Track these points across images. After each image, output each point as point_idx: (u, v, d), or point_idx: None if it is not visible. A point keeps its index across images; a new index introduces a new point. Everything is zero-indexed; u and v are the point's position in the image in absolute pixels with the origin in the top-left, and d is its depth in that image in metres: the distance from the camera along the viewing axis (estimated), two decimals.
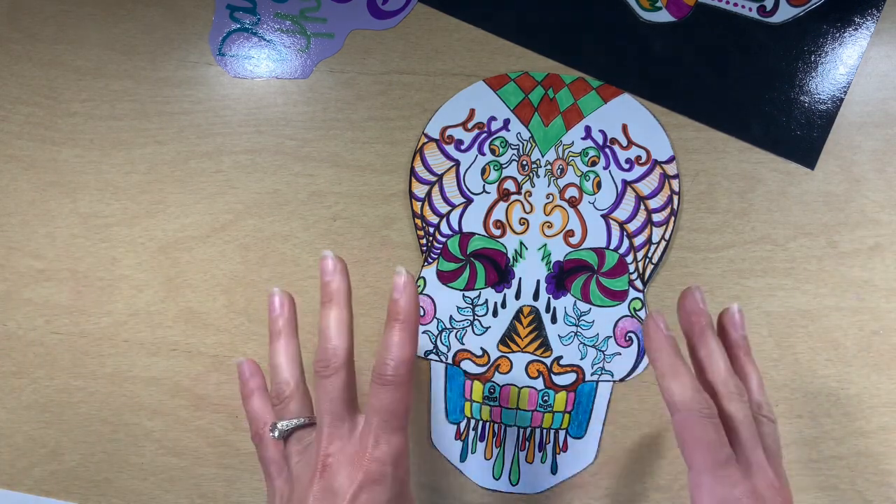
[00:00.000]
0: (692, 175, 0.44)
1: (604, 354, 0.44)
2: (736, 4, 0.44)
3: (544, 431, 0.44)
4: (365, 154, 0.46)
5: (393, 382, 0.32)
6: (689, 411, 0.31)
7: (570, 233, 0.44)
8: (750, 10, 0.44)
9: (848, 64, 0.44)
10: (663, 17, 0.45)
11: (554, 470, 0.44)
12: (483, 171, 0.45)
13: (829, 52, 0.44)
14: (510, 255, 0.44)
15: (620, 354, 0.44)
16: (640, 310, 0.44)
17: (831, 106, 0.44)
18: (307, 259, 0.46)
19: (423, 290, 0.45)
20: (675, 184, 0.44)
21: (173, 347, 0.46)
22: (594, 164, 0.44)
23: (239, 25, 0.47)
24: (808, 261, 0.43)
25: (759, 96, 0.44)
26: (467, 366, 0.44)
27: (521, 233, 0.44)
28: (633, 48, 0.45)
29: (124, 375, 0.46)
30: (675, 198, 0.44)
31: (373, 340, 0.45)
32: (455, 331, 0.44)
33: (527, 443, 0.44)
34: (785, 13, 0.44)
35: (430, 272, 0.45)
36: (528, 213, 0.45)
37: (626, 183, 0.44)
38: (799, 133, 0.44)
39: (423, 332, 0.45)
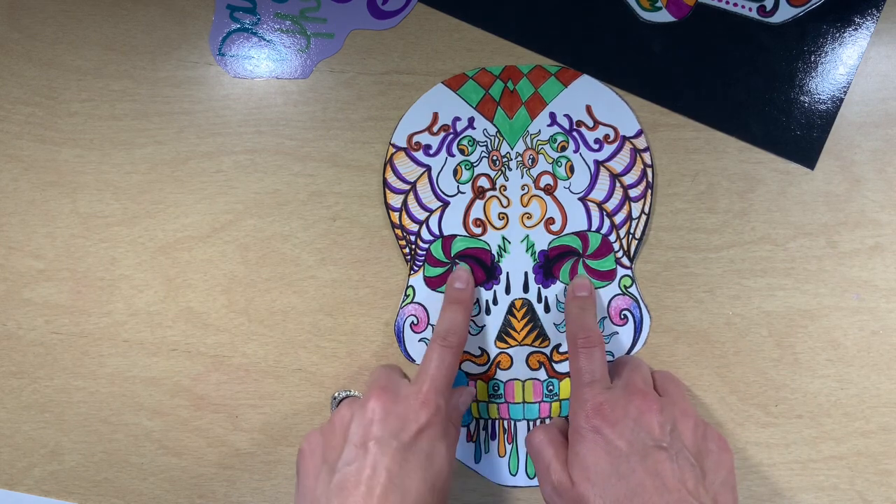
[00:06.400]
0: (692, 175, 0.44)
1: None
2: (736, 4, 0.44)
3: None
4: (365, 154, 0.46)
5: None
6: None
7: (551, 220, 0.44)
8: (750, 10, 0.44)
9: (848, 64, 0.44)
10: (663, 17, 0.45)
11: None
12: (455, 172, 0.45)
13: (829, 52, 0.44)
14: (494, 251, 0.44)
15: (618, 333, 0.44)
16: (630, 287, 0.44)
17: (831, 106, 0.44)
18: (307, 259, 0.46)
19: (412, 299, 0.45)
20: (646, 157, 0.44)
21: (173, 347, 0.46)
22: (564, 149, 0.44)
23: (239, 25, 0.47)
24: (808, 261, 0.43)
25: (759, 96, 0.44)
26: (468, 367, 0.44)
27: (502, 228, 0.44)
28: (632, 48, 0.45)
29: (124, 375, 0.46)
30: (649, 171, 0.44)
31: (373, 340, 0.45)
32: None
33: None
34: (785, 13, 0.44)
35: (417, 280, 0.45)
36: (505, 208, 0.45)
37: (598, 163, 0.44)
38: (799, 133, 0.44)
39: (420, 341, 0.45)
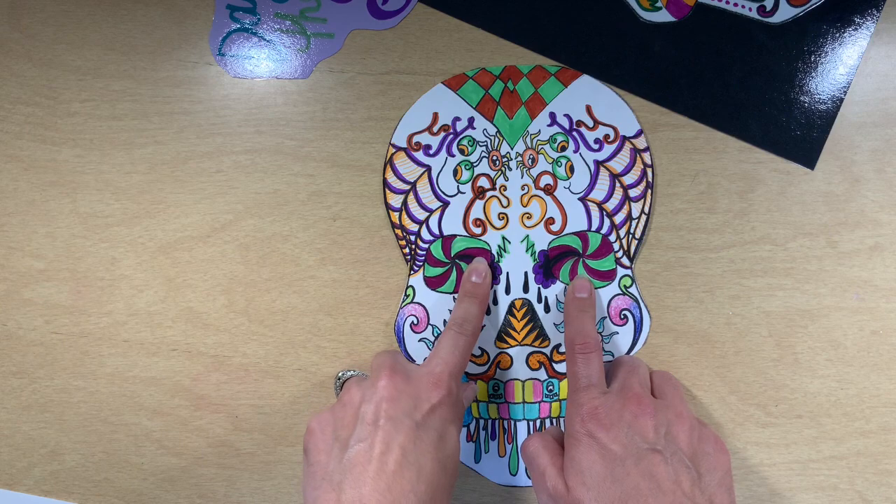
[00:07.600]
0: (692, 175, 0.44)
1: (601, 336, 0.44)
2: (736, 4, 0.44)
3: (554, 421, 0.44)
4: (365, 154, 0.46)
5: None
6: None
7: (551, 220, 0.44)
8: (750, 10, 0.44)
9: (848, 64, 0.44)
10: (663, 17, 0.45)
11: None
12: (455, 172, 0.45)
13: (829, 52, 0.44)
14: (494, 251, 0.44)
15: (618, 333, 0.44)
16: (630, 286, 0.44)
17: (831, 106, 0.44)
18: (307, 259, 0.46)
19: (412, 299, 0.45)
20: (646, 157, 0.44)
21: (173, 347, 0.46)
22: (564, 149, 0.44)
23: (239, 25, 0.47)
24: (808, 261, 0.43)
25: (759, 96, 0.44)
26: (468, 367, 0.44)
27: (502, 228, 0.44)
28: (633, 48, 0.45)
29: (124, 375, 0.46)
30: (649, 171, 0.44)
31: (373, 340, 0.45)
32: None
33: None
34: (785, 13, 0.44)
35: (417, 280, 0.45)
36: (505, 208, 0.45)
37: (598, 163, 0.44)
38: (799, 133, 0.44)
39: (420, 341, 0.45)
